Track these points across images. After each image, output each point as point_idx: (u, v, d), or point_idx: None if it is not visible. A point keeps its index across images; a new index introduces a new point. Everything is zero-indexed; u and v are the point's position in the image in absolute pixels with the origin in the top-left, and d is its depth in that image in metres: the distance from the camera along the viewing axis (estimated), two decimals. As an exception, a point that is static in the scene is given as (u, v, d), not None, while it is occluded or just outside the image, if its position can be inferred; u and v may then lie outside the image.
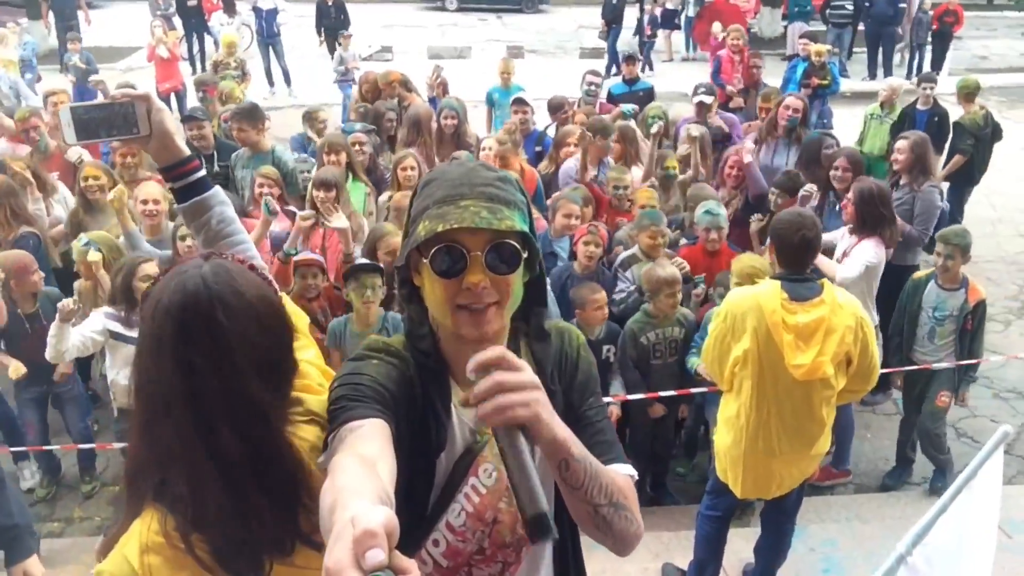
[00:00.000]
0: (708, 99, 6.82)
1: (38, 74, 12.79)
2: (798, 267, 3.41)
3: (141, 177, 5.77)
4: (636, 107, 7.25)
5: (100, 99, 1.80)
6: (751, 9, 16.65)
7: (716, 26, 13.64)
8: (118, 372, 4.18)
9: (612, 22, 15.34)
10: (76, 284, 4.73)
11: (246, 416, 1.40)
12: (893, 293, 5.20)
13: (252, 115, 5.91)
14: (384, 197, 5.66)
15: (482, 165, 1.48)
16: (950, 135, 7.96)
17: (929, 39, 14.72)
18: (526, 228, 1.41)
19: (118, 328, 4.10)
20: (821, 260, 4.44)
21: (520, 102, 7.12)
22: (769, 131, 6.57)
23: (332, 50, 14.40)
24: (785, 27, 15.74)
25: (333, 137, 5.73)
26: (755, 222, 5.37)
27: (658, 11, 16.14)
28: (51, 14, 15.60)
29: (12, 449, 4.79)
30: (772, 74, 14.24)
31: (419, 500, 1.51)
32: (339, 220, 4.57)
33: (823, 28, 14.80)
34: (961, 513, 1.84)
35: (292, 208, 5.64)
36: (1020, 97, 14.41)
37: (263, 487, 1.40)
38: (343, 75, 11.39)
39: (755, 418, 3.41)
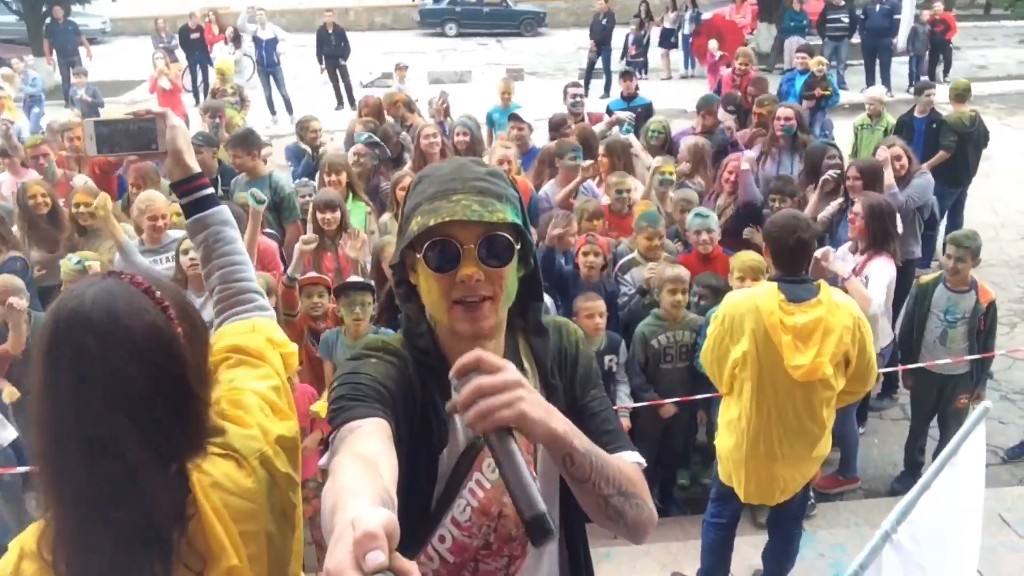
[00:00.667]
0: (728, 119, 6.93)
1: (43, 109, 12.95)
2: (794, 269, 3.41)
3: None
4: (632, 115, 7.28)
5: (121, 115, 1.92)
6: (748, 25, 16.77)
7: (712, 44, 13.77)
8: None
9: (600, 43, 15.48)
10: None
11: (100, 452, 1.30)
12: (897, 287, 5.16)
13: (247, 141, 5.98)
14: (386, 217, 5.70)
15: (472, 161, 1.50)
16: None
17: (927, 48, 14.81)
18: (518, 220, 1.42)
19: None
20: (855, 288, 4.41)
21: (516, 119, 7.18)
22: (771, 143, 6.61)
23: (333, 78, 14.60)
24: (779, 41, 15.85)
25: (332, 158, 5.81)
26: (749, 232, 5.36)
27: (655, 30, 16.30)
28: (54, 51, 15.84)
29: (19, 469, 4.79)
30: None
31: (423, 497, 1.51)
32: (352, 250, 4.65)
33: (819, 42, 14.89)
34: (945, 489, 1.85)
35: (272, 232, 5.69)
36: (1019, 104, 14.47)
37: (113, 526, 1.31)
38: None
39: (756, 420, 3.41)
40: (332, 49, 14.26)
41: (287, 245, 5.36)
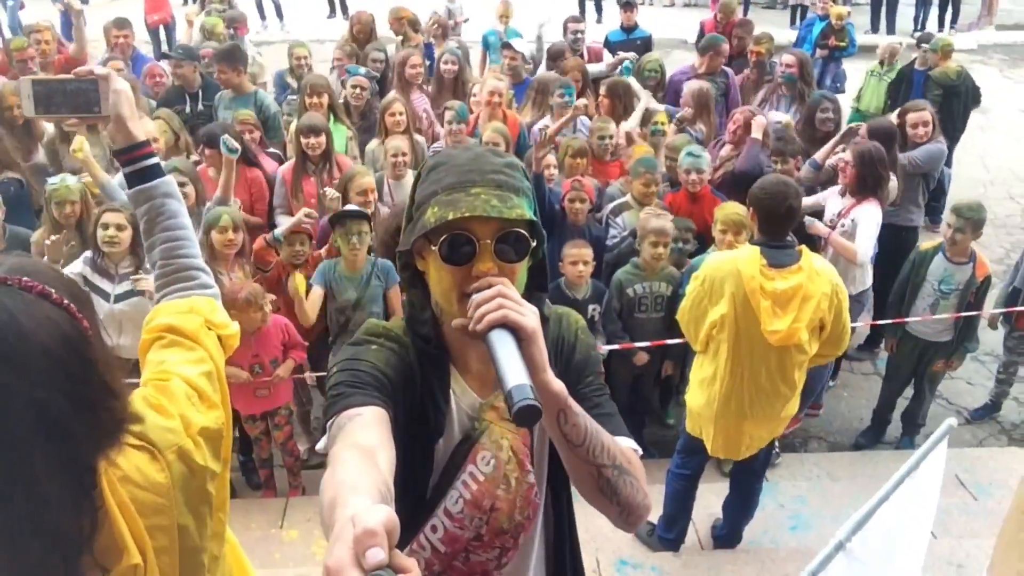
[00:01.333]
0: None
1: (21, 1, 12.46)
2: (780, 235, 3.41)
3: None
4: (635, 55, 7.10)
5: (62, 76, 1.80)
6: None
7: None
8: None
9: None
10: (36, 236, 4.45)
11: (13, 490, 1.20)
12: (892, 254, 5.22)
13: (230, 57, 5.81)
14: (373, 143, 5.60)
15: (490, 151, 1.47)
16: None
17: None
18: (534, 216, 1.41)
19: (88, 273, 4.01)
20: (839, 242, 4.42)
21: (509, 47, 6.99)
22: (772, 90, 6.49)
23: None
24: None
25: (314, 79, 5.64)
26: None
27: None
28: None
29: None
30: (775, 23, 14.06)
31: (418, 486, 1.52)
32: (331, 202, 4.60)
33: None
34: (901, 501, 1.88)
35: (275, 151, 5.59)
36: (1023, 56, 14.24)
37: (26, 561, 1.24)
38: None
39: (729, 381, 3.45)
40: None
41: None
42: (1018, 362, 5.41)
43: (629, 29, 8.35)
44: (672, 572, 3.90)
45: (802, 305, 3.29)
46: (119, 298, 3.99)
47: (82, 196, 4.30)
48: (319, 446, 1.43)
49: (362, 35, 7.56)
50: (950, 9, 14.43)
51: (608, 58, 7.56)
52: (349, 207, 4.32)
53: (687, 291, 3.61)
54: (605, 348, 4.59)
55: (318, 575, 0.82)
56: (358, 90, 5.99)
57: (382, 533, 0.84)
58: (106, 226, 3.95)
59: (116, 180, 4.38)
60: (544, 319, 1.55)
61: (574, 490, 1.54)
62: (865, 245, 4.57)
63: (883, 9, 14.23)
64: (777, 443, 4.80)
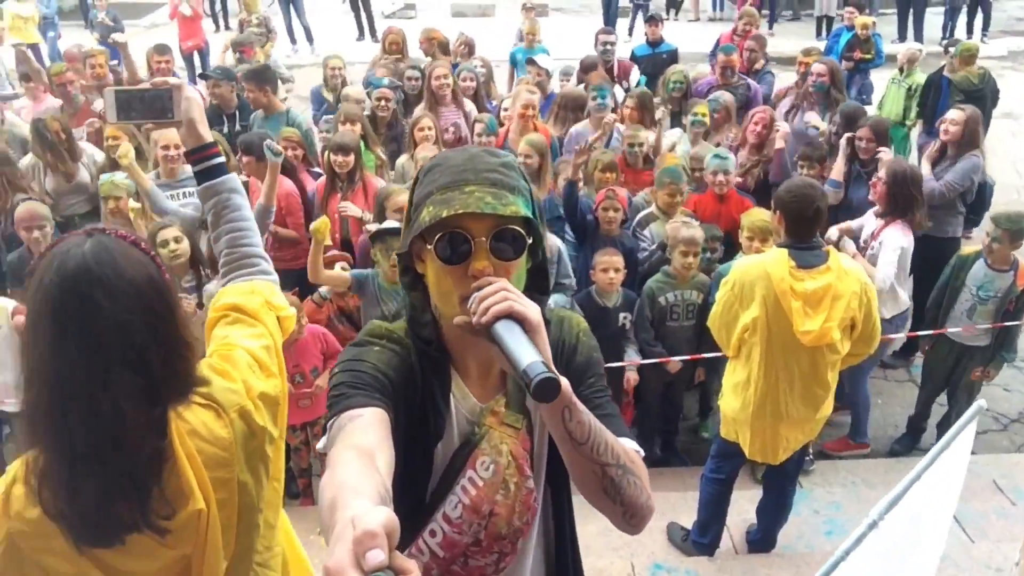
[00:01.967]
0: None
1: (59, 32, 12.83)
2: (808, 237, 3.42)
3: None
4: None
5: (142, 85, 2.06)
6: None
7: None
8: None
9: None
10: None
11: (101, 405, 1.40)
12: (932, 265, 5.16)
13: (259, 77, 5.94)
14: (403, 158, 5.71)
15: (485, 151, 1.46)
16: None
17: (966, 1, 14.30)
18: (530, 214, 1.40)
19: None
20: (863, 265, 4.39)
21: (533, 63, 7.09)
22: (803, 97, 6.51)
23: (355, 7, 14.38)
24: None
25: (348, 108, 5.73)
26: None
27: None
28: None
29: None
30: (800, 36, 14.03)
31: (417, 489, 1.51)
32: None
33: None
34: (932, 481, 1.90)
35: (317, 170, 5.72)
36: (1055, 61, 14.07)
37: (107, 474, 1.43)
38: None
39: (763, 384, 3.47)
40: (355, -22, 14.03)
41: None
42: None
43: (655, 43, 8.43)
44: (707, 576, 3.92)
45: (833, 304, 3.30)
46: None
47: (128, 193, 4.43)
48: (319, 446, 1.41)
49: (394, 47, 7.69)
50: (980, 15, 14.30)
51: (636, 74, 7.64)
52: (389, 224, 4.34)
53: (717, 297, 3.63)
54: (639, 362, 4.62)
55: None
56: (383, 102, 6.09)
57: (382, 534, 0.84)
58: (165, 243, 3.98)
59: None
60: (545, 322, 1.54)
61: (576, 496, 1.53)
62: (885, 271, 4.51)
63: (910, 17, 14.14)
64: (811, 450, 4.82)
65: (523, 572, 1.65)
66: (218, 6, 14.99)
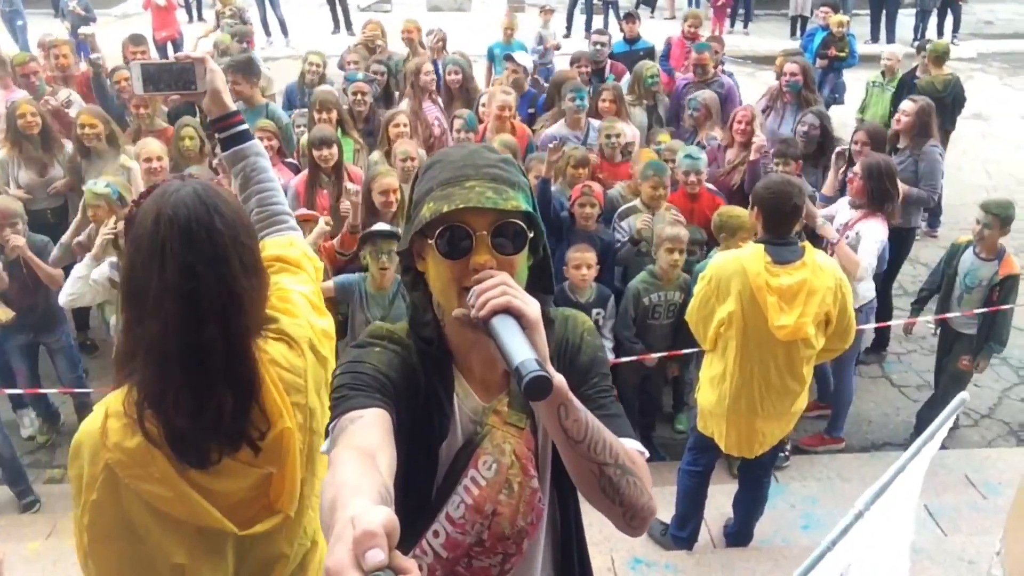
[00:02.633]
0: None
1: (25, 19, 12.51)
2: (785, 233, 3.46)
3: (156, 127, 5.89)
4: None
5: (167, 59, 2.21)
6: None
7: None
8: None
9: None
10: (64, 237, 4.64)
11: (234, 312, 1.58)
12: (894, 255, 5.30)
13: (247, 68, 5.87)
14: (376, 155, 5.65)
15: (485, 147, 1.47)
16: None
17: (936, 4, 14.50)
18: (531, 208, 1.40)
19: (116, 277, 4.09)
20: (845, 253, 4.46)
21: (511, 60, 7.08)
22: (776, 98, 6.56)
23: (331, 1, 14.28)
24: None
25: (323, 95, 5.67)
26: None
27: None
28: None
29: (8, 391, 4.85)
30: (775, 35, 14.16)
31: (421, 490, 1.50)
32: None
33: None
34: (914, 472, 1.93)
35: (292, 161, 5.66)
36: (1023, 64, 14.32)
37: (229, 382, 1.58)
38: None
39: (739, 378, 3.50)
40: (331, -30, 13.92)
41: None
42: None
43: (632, 40, 8.45)
44: (686, 570, 3.93)
45: (807, 300, 3.35)
46: None
47: (108, 201, 4.36)
48: (322, 449, 1.43)
49: (371, 40, 7.64)
50: (950, 17, 14.53)
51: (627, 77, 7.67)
52: (380, 226, 4.24)
53: (695, 291, 3.67)
54: (616, 360, 4.64)
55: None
56: (359, 96, 6.05)
57: (382, 534, 0.84)
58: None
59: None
60: (550, 321, 1.53)
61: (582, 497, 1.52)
62: (868, 260, 4.59)
63: (883, 19, 14.33)
64: (788, 445, 4.87)
65: (531, 575, 1.63)
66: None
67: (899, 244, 5.39)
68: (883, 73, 7.90)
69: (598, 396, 1.54)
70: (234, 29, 8.22)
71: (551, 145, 4.89)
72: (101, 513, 1.58)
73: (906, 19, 14.59)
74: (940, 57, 7.67)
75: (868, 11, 14.77)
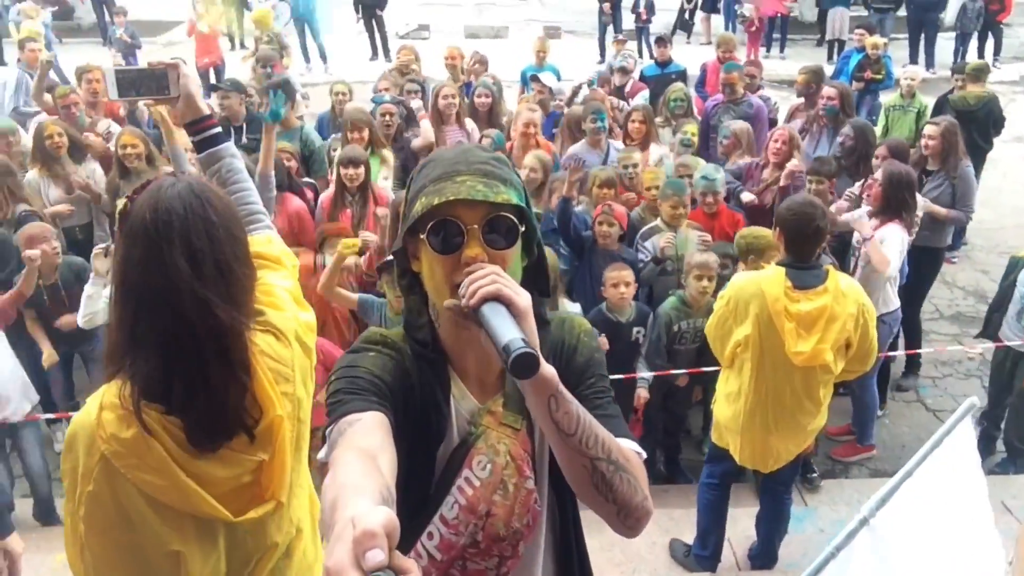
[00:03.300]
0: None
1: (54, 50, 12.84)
2: (807, 255, 3.41)
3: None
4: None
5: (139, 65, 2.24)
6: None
7: (748, 8, 13.47)
8: None
9: (615, 6, 14.88)
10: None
11: (231, 301, 1.66)
12: (925, 276, 5.27)
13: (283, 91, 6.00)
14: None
15: (477, 147, 1.49)
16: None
17: (977, 27, 14.30)
18: (522, 203, 1.41)
19: None
20: (875, 249, 4.42)
21: (537, 80, 7.17)
22: (812, 120, 6.52)
23: (369, 28, 14.54)
24: (823, 11, 15.36)
25: (354, 114, 5.77)
26: None
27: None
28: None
29: (44, 416, 4.95)
30: (811, 59, 14.06)
31: (418, 492, 1.50)
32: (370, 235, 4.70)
33: (864, 13, 14.52)
34: (927, 480, 1.89)
35: (310, 180, 5.75)
36: (1066, 88, 14.05)
37: (228, 371, 1.66)
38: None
39: (753, 398, 3.48)
40: (370, -1, 14.19)
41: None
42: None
43: (664, 63, 8.49)
44: (708, 591, 3.89)
45: (827, 327, 3.29)
46: None
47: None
48: (320, 455, 1.42)
49: (404, 66, 7.77)
50: (991, 40, 14.31)
51: (646, 95, 7.71)
52: None
53: (714, 308, 3.65)
54: (646, 375, 4.63)
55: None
56: (387, 117, 6.14)
57: (382, 534, 0.84)
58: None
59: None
60: (545, 323, 1.55)
61: (583, 509, 1.51)
62: (895, 259, 4.54)
63: (922, 42, 14.17)
64: (815, 467, 4.80)
65: None
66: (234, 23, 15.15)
67: (929, 264, 5.32)
68: (902, 95, 7.77)
69: (595, 396, 1.54)
70: (259, 53, 8.39)
71: (570, 164, 4.93)
72: (98, 504, 1.63)
73: (945, 43, 14.40)
74: (978, 74, 7.55)
75: (907, 35, 14.61)
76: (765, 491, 3.95)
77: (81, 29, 15.70)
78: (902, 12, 14.62)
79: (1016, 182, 9.59)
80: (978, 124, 7.30)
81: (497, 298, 1.27)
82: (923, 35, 14.16)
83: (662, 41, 8.66)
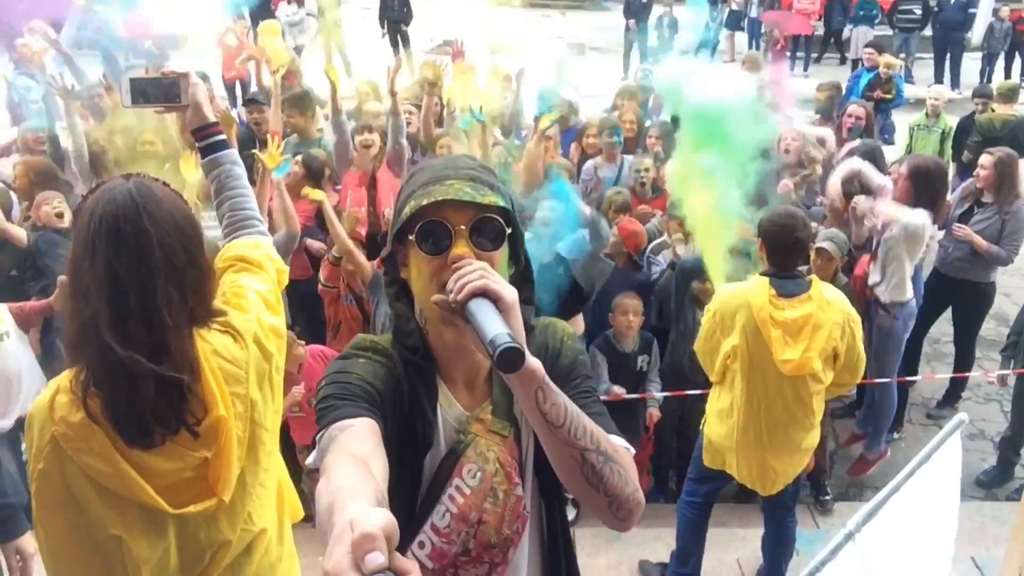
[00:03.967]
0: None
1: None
2: (789, 266, 3.47)
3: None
4: None
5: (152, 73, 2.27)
6: (816, 11, 16.31)
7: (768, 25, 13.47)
8: None
9: (640, 21, 14.90)
10: None
11: (157, 307, 1.69)
12: (968, 310, 5.22)
13: (301, 102, 6.08)
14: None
15: (465, 156, 1.55)
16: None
17: (1004, 47, 14.19)
18: (508, 207, 1.44)
19: None
20: (887, 207, 4.39)
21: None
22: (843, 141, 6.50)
23: (395, 43, 14.68)
24: (850, 31, 15.32)
25: (363, 121, 5.83)
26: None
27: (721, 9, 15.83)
28: None
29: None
30: (836, 78, 13.99)
31: (406, 500, 1.51)
32: None
33: (889, 33, 14.45)
34: (915, 494, 1.89)
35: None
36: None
37: (156, 373, 1.68)
38: None
39: (746, 411, 3.50)
40: (395, 14, 14.31)
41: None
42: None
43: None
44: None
45: (813, 334, 3.33)
46: None
47: None
48: (309, 461, 1.43)
49: (424, 80, 7.81)
50: (1018, 60, 14.18)
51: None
52: None
53: (701, 324, 3.67)
54: (659, 395, 4.63)
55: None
56: (408, 115, 6.07)
57: (381, 537, 0.85)
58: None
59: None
60: (530, 328, 1.58)
61: (584, 528, 1.53)
62: (912, 218, 4.44)
63: (947, 62, 14.07)
64: (830, 490, 4.77)
65: None
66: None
67: (981, 300, 5.23)
68: (927, 114, 7.71)
69: (580, 397, 1.55)
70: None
71: (589, 179, 4.95)
72: (48, 482, 1.71)
73: (971, 63, 14.30)
74: (1007, 95, 7.47)
75: (932, 55, 14.51)
76: (768, 515, 3.92)
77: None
78: (927, 31, 14.53)
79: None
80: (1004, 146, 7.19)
81: (484, 293, 1.30)
82: (948, 55, 14.05)
83: (682, 59, 8.67)
